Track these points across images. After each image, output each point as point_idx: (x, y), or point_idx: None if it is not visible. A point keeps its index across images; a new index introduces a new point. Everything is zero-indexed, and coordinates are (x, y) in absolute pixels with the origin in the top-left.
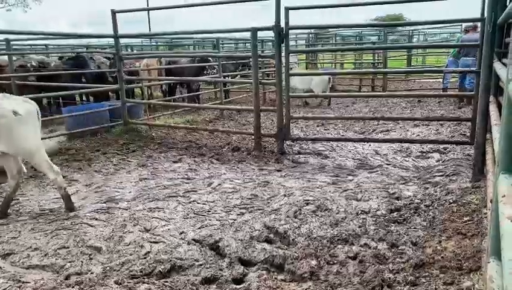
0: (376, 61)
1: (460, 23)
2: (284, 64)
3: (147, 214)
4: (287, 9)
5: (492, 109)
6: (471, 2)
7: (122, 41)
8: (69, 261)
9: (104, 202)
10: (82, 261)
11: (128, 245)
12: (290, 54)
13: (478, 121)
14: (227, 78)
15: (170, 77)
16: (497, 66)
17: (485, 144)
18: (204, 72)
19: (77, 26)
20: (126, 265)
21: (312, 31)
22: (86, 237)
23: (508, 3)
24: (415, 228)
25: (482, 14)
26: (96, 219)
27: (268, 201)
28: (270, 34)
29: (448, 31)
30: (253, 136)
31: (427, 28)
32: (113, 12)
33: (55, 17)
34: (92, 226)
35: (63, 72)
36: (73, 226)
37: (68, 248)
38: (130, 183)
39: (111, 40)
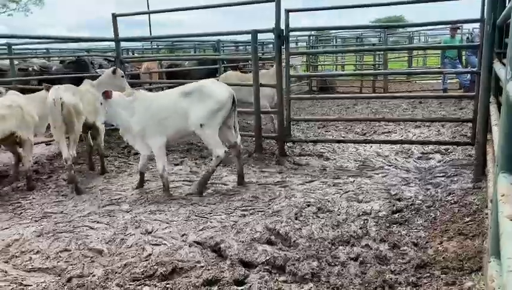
0: (377, 62)
1: (449, 26)
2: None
3: (148, 217)
4: (287, 11)
5: (493, 109)
6: (473, 3)
7: (124, 44)
8: (71, 264)
9: (106, 205)
10: (84, 264)
11: (129, 248)
12: (293, 56)
13: (478, 122)
14: None
15: (171, 80)
16: (497, 66)
17: (485, 144)
18: (217, 74)
19: (78, 30)
20: (127, 267)
21: (313, 33)
22: (88, 239)
23: (507, 3)
24: (416, 229)
25: (482, 14)
26: (98, 222)
27: (270, 203)
28: (271, 36)
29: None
30: (254, 138)
31: (428, 29)
32: (114, 16)
33: (56, 22)
34: (93, 229)
35: (65, 75)
36: (75, 229)
37: (70, 250)
38: (131, 186)
39: (112, 44)
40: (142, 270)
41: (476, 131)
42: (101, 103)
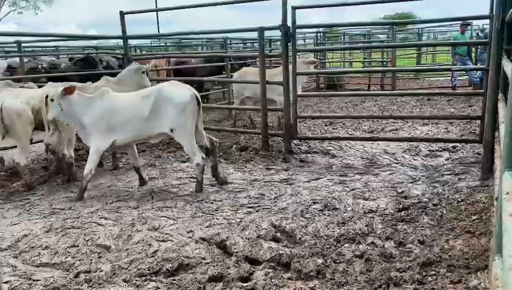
0: (385, 59)
1: (458, 22)
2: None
3: (155, 213)
4: (294, 8)
5: (501, 106)
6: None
7: (132, 42)
8: (79, 260)
9: (114, 202)
10: (91, 260)
11: (136, 244)
12: (303, 53)
13: (486, 119)
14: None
15: (179, 78)
16: (505, 63)
17: (493, 142)
18: (223, 72)
19: (87, 28)
20: (134, 263)
21: (321, 30)
22: (95, 235)
23: None
24: (422, 227)
25: (491, 11)
26: (106, 218)
27: (276, 200)
28: (279, 33)
29: (458, 29)
30: (260, 136)
31: (437, 26)
32: (122, 14)
33: (65, 19)
34: (101, 225)
35: (74, 73)
36: (83, 225)
37: (78, 246)
38: (139, 183)
39: (120, 41)
40: (148, 266)
41: (484, 128)
42: (52, 100)
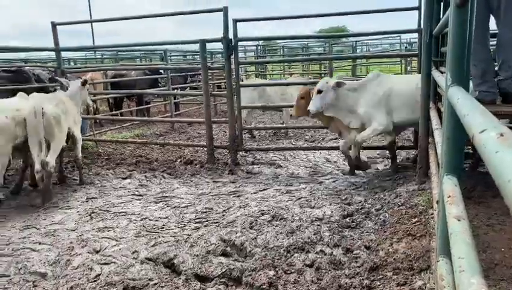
0: (322, 71)
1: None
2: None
3: (96, 235)
4: (235, 21)
5: (433, 114)
6: (410, 14)
7: (65, 55)
8: None
9: (49, 224)
10: None
11: (76, 269)
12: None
13: (420, 126)
14: (176, 90)
15: (117, 90)
16: (435, 74)
17: (427, 147)
18: (159, 84)
19: (13, 38)
20: None
21: (261, 42)
22: (29, 263)
23: (441, 15)
24: (367, 232)
25: (419, 25)
26: (40, 243)
27: (224, 213)
28: (220, 45)
29: (389, 42)
30: (205, 149)
31: (370, 39)
32: (54, 25)
33: None
34: (35, 250)
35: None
36: (14, 252)
37: (9, 276)
38: (76, 203)
39: (51, 54)
40: None
41: (419, 135)
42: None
